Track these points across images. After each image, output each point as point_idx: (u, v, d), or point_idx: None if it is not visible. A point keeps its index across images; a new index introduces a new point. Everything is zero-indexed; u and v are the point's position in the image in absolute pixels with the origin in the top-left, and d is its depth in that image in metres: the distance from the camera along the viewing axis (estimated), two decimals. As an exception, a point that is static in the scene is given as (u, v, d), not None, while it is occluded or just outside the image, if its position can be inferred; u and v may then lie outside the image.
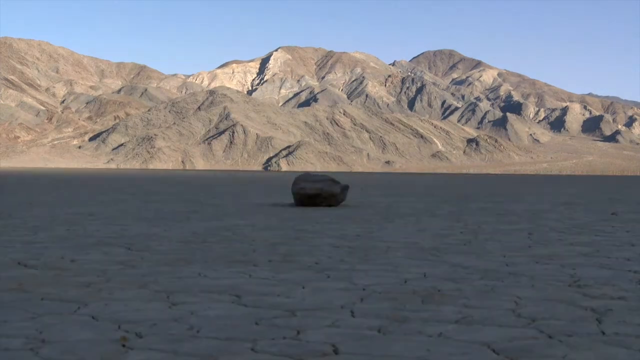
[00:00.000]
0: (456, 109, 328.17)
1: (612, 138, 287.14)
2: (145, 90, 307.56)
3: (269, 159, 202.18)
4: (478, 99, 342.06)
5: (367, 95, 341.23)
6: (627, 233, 10.36)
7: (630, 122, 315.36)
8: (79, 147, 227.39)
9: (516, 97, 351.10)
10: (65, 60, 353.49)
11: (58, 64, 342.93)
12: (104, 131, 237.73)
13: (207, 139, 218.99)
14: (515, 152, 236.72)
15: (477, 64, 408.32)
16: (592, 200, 22.25)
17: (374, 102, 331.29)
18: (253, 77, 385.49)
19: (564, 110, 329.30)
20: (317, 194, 15.66)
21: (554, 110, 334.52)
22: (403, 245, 8.33)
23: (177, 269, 6.18)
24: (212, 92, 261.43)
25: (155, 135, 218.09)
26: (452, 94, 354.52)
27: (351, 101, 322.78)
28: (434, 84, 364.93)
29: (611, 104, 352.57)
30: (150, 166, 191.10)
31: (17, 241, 8.29)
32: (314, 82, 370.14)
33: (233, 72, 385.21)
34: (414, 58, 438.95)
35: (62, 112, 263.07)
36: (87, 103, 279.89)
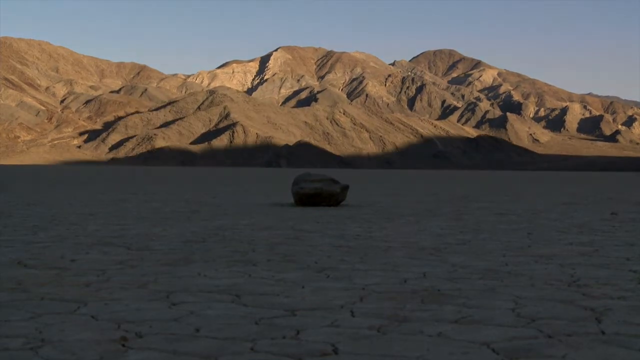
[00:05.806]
0: (456, 108, 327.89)
1: (612, 138, 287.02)
2: (145, 90, 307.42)
3: (269, 159, 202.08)
4: (478, 98, 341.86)
5: (367, 95, 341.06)
6: (627, 233, 10.35)
7: (630, 121, 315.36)
8: (79, 146, 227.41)
9: (516, 96, 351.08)
10: (65, 60, 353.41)
11: (58, 63, 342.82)
12: (104, 131, 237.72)
13: (207, 139, 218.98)
14: (515, 151, 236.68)
15: (477, 64, 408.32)
16: (591, 200, 22.24)
17: (374, 102, 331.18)
18: (253, 77, 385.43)
19: (564, 110, 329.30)
20: (316, 193, 15.64)
21: (553, 110, 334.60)
22: (403, 244, 8.33)
23: (177, 268, 6.19)
24: (212, 92, 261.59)
25: (155, 134, 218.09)
26: (451, 93, 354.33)
27: (351, 101, 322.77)
28: (433, 83, 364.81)
29: (611, 104, 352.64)
30: (150, 165, 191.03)
31: (17, 241, 8.29)
32: (313, 82, 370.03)
33: (233, 72, 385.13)
34: (413, 58, 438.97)
35: (62, 112, 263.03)
36: (87, 103, 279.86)
